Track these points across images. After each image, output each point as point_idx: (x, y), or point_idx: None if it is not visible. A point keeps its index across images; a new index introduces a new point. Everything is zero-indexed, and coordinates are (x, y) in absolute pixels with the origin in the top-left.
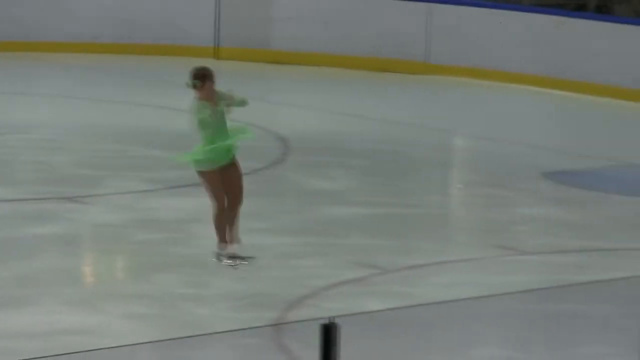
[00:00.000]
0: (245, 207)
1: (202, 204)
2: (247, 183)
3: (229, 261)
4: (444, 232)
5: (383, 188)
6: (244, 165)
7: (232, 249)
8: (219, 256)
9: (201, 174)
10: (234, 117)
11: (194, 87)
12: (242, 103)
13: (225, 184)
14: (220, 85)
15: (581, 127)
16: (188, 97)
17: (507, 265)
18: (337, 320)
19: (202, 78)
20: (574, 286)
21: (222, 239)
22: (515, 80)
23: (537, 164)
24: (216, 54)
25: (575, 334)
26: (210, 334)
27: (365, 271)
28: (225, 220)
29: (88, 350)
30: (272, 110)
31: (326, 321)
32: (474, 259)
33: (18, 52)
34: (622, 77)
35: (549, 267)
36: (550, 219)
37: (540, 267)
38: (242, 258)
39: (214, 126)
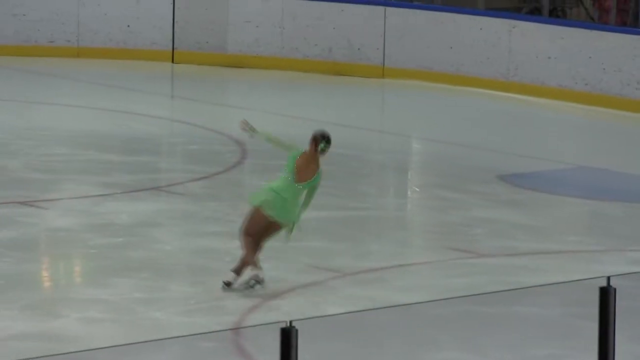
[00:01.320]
0: (202, 211)
1: (158, 208)
2: (203, 187)
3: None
4: (401, 235)
5: (340, 192)
6: (200, 169)
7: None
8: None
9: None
10: None
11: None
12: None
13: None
14: (176, 89)
15: (535, 130)
16: (142, 101)
17: (463, 267)
18: (295, 324)
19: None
20: (528, 288)
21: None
22: (469, 83)
23: (492, 166)
24: (172, 57)
25: (530, 336)
26: (168, 338)
27: (324, 275)
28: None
29: (45, 356)
30: (228, 113)
31: (285, 325)
32: (430, 261)
33: None
34: (575, 80)
35: (504, 270)
36: (505, 222)
37: (496, 269)
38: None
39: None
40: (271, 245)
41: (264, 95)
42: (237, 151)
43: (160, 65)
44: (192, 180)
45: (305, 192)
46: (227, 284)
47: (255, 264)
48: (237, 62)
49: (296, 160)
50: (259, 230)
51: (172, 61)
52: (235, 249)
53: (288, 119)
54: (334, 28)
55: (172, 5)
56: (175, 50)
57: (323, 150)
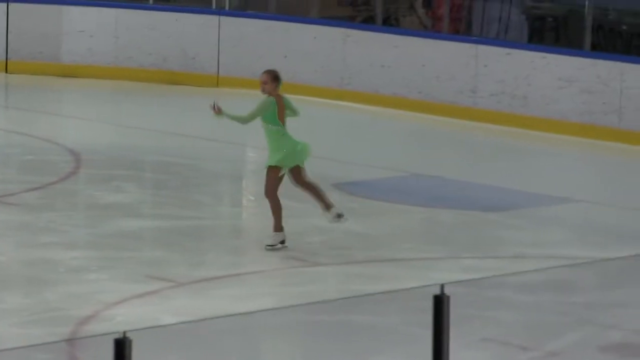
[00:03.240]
0: (37, 221)
1: None
2: (38, 198)
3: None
4: (237, 244)
5: (175, 201)
6: (35, 179)
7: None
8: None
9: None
10: None
11: None
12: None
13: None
14: (10, 99)
15: (369, 138)
16: None
17: (299, 276)
18: (129, 335)
19: None
20: (364, 297)
21: None
22: (304, 92)
23: (326, 175)
24: (6, 67)
25: (367, 345)
26: (3, 350)
27: (158, 284)
28: None
29: None
30: (62, 123)
31: (119, 336)
32: (267, 270)
33: None
34: (409, 88)
35: (340, 278)
36: (340, 230)
37: (332, 277)
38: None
39: None
40: (105, 255)
41: (99, 104)
42: (72, 161)
43: None
44: (27, 190)
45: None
46: (273, 246)
47: (280, 229)
48: (71, 72)
49: (277, 111)
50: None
51: (6, 71)
52: (70, 259)
53: (123, 128)
54: (168, 37)
55: (4, 15)
56: (8, 60)
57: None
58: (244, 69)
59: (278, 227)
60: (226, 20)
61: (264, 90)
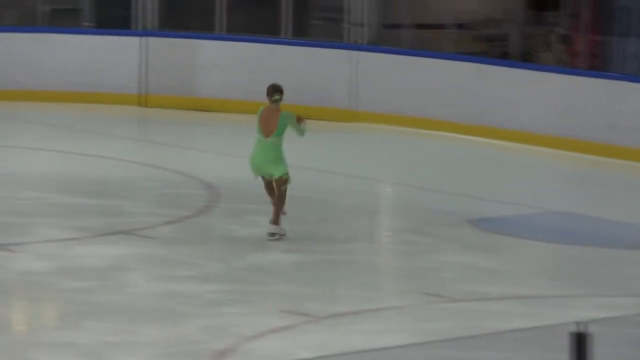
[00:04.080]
0: (173, 254)
1: (128, 251)
2: (173, 231)
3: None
4: (371, 279)
5: (310, 235)
6: (170, 213)
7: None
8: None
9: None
10: None
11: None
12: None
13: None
14: (147, 133)
15: (501, 174)
16: (112, 144)
17: (433, 312)
18: None
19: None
20: (499, 334)
21: None
22: (437, 127)
23: (461, 211)
24: (142, 101)
25: None
26: None
27: (294, 319)
28: None
29: None
30: (197, 157)
31: None
32: (400, 306)
33: None
34: (544, 124)
35: (473, 315)
36: (473, 266)
37: (465, 314)
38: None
39: None
40: (241, 289)
41: (233, 138)
42: (207, 195)
43: (129, 108)
44: (163, 224)
45: (280, 141)
46: (272, 235)
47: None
48: (206, 106)
49: (260, 120)
50: (270, 191)
51: (142, 105)
52: (206, 293)
53: None
54: (302, 71)
55: (142, 49)
56: (144, 94)
57: (278, 100)
58: (379, 103)
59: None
60: (361, 55)
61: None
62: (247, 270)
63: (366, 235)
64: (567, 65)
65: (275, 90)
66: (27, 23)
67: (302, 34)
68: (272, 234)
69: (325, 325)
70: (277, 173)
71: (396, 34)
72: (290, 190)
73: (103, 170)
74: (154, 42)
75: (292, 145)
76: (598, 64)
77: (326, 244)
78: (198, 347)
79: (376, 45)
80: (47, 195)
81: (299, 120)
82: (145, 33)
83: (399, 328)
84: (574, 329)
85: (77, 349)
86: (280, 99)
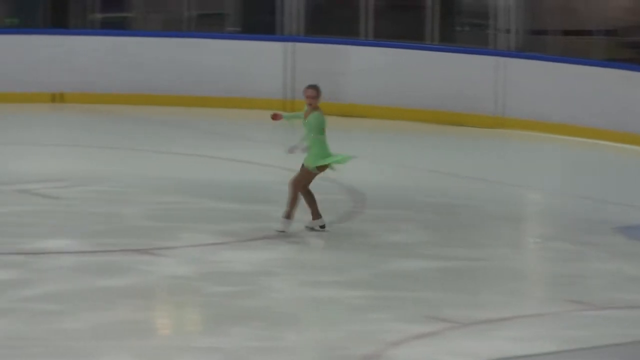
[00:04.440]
0: (318, 260)
1: (273, 257)
2: (319, 236)
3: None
4: (515, 285)
5: (454, 242)
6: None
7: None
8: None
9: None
10: None
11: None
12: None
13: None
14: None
15: None
16: (257, 149)
17: (577, 319)
18: None
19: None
20: None
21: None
22: (585, 134)
23: (607, 218)
24: (287, 106)
25: None
26: None
27: (438, 325)
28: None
29: None
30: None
31: None
32: (544, 313)
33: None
34: None
35: (619, 323)
36: (619, 274)
37: (611, 322)
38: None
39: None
40: (384, 295)
41: (380, 144)
42: (353, 201)
43: None
44: (308, 229)
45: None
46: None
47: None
48: (353, 112)
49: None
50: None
51: (287, 110)
52: (350, 298)
53: (403, 168)
54: (449, 77)
55: (287, 54)
56: (289, 100)
57: None
58: (525, 110)
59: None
60: (508, 61)
61: (311, 105)
62: (391, 276)
63: (511, 242)
64: None
65: None
66: (172, 28)
67: (448, 40)
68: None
69: (469, 331)
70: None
71: (543, 41)
72: (435, 196)
73: (248, 176)
74: (300, 47)
75: (438, 152)
76: None
77: (470, 250)
78: (342, 352)
79: (523, 51)
80: (192, 200)
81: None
82: (291, 38)
83: (544, 335)
84: None
85: (221, 353)
86: None
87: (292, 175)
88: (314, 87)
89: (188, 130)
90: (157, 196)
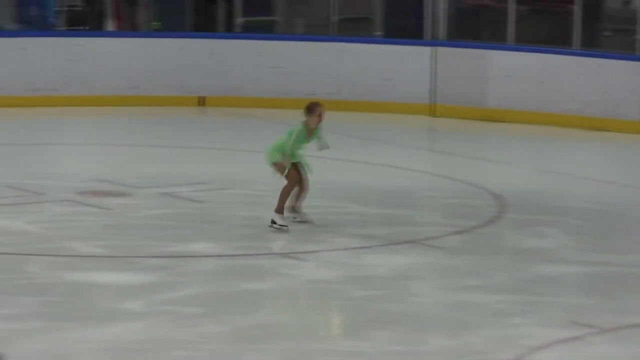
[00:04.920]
0: (461, 264)
1: (416, 261)
2: (462, 241)
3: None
4: None
5: (598, 247)
6: (458, 223)
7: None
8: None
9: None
10: None
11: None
12: (324, 147)
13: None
14: (436, 143)
15: None
16: (400, 154)
17: None
18: None
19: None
20: None
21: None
22: None
23: None
24: (431, 111)
25: None
26: None
27: (581, 330)
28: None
29: None
30: (486, 167)
31: None
32: None
33: (229, 107)
34: None
35: None
36: None
37: None
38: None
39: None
40: (527, 299)
41: (522, 149)
42: (495, 205)
43: (419, 118)
44: (450, 233)
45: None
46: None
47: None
48: (496, 117)
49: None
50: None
51: (432, 114)
52: (493, 302)
53: (545, 173)
54: (592, 83)
55: (432, 59)
56: (434, 104)
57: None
58: None
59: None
60: None
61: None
62: (534, 281)
63: None
64: None
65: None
66: (317, 32)
67: (592, 45)
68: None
69: (613, 337)
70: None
71: None
72: (578, 201)
73: (392, 180)
74: (444, 51)
75: (582, 157)
76: None
77: (615, 255)
78: (484, 357)
79: None
80: (335, 204)
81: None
82: (435, 43)
83: None
84: None
85: (362, 357)
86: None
87: (436, 180)
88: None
89: (331, 134)
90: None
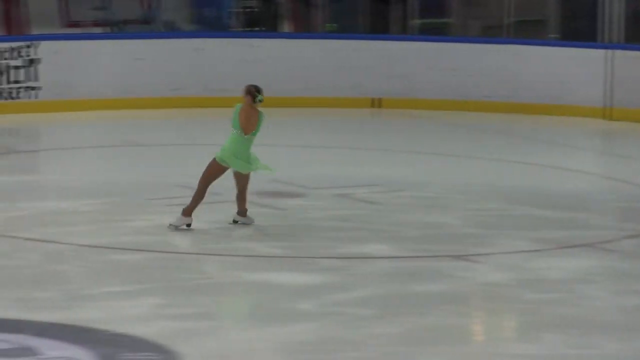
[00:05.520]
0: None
1: (590, 264)
2: (635, 245)
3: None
4: None
5: None
6: (632, 227)
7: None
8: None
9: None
10: None
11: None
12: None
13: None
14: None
15: None
16: (574, 157)
17: None
18: None
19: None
20: None
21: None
22: None
23: None
24: (606, 114)
25: None
26: None
27: None
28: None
29: None
30: None
31: None
32: None
33: (403, 109)
34: None
35: None
36: None
37: None
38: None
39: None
40: None
41: None
42: None
43: (594, 121)
44: (624, 237)
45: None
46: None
47: (189, 213)
48: None
49: (239, 117)
50: (213, 179)
51: (607, 118)
52: None
53: None
54: None
55: (607, 62)
56: (609, 107)
57: (260, 101)
58: None
59: (189, 212)
60: None
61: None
62: None
63: None
64: None
65: (260, 91)
66: (492, 34)
67: None
68: (236, 222)
69: None
70: (245, 169)
71: None
72: None
73: (565, 183)
74: (620, 55)
75: None
76: None
77: None
78: None
79: None
80: (510, 207)
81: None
82: (610, 46)
83: None
84: None
85: None
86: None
87: (610, 183)
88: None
89: (506, 137)
90: (474, 203)
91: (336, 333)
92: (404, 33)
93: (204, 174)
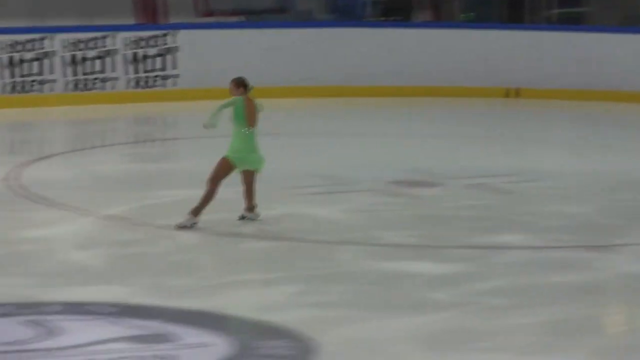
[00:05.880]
0: None
1: None
2: None
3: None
4: None
5: None
6: None
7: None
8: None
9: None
10: None
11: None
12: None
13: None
14: None
15: None
16: None
17: None
18: None
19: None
20: None
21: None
22: None
23: None
24: None
25: None
26: None
27: None
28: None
29: None
30: None
31: None
32: None
33: (538, 98)
34: None
35: None
36: None
37: None
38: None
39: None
40: None
41: None
42: None
43: None
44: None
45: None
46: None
47: (198, 214)
48: None
49: (244, 111)
50: (223, 179)
51: None
52: None
53: None
54: None
55: None
56: None
57: (251, 89)
58: None
59: (197, 212)
60: None
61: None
62: None
63: None
64: None
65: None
66: (631, 23)
67: None
68: (244, 217)
69: None
70: (261, 163)
71: None
72: None
73: None
74: None
75: None
76: None
77: None
78: None
79: None
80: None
81: None
82: None
83: None
84: None
85: None
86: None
87: None
88: (232, 81)
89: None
90: (610, 192)
91: (471, 323)
92: (540, 23)
93: (213, 174)
